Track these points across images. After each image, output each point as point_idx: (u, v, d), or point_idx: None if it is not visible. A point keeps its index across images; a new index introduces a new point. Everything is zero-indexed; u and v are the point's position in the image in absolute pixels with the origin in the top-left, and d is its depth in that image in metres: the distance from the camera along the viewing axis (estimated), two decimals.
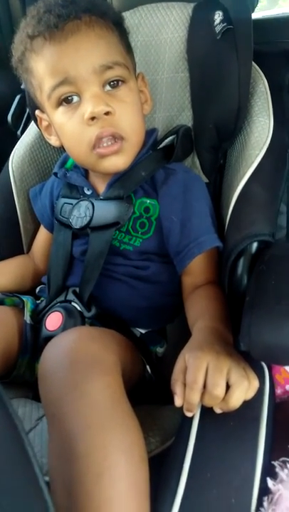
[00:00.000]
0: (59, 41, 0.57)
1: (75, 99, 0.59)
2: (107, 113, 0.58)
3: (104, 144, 0.60)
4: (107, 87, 0.60)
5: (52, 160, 0.87)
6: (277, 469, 0.42)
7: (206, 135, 0.74)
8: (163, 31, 0.78)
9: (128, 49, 0.65)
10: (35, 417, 0.56)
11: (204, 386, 0.44)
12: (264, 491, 0.41)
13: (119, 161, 0.62)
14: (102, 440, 0.41)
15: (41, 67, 0.59)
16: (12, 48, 0.63)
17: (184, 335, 0.55)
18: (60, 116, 0.61)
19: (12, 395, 0.63)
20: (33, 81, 0.62)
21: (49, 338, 0.57)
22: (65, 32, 0.56)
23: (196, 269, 0.64)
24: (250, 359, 0.46)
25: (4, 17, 1.05)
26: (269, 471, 0.42)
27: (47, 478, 0.43)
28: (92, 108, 0.57)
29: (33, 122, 0.85)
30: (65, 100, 0.59)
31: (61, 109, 0.60)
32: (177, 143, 0.70)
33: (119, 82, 0.60)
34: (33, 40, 0.59)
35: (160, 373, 0.65)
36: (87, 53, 0.57)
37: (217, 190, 0.76)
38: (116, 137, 0.60)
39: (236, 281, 0.57)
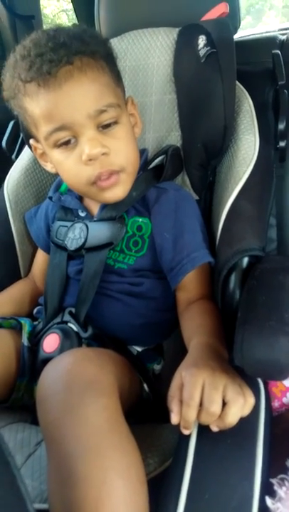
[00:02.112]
0: (53, 89, 0.57)
1: (72, 140, 0.60)
2: (103, 153, 0.59)
3: (103, 178, 0.61)
4: (101, 128, 0.61)
5: (47, 182, 0.88)
6: (276, 487, 0.42)
7: (195, 154, 0.75)
8: (150, 55, 0.81)
9: (118, 79, 0.66)
10: (34, 442, 0.56)
11: (200, 403, 0.44)
12: (263, 509, 0.41)
13: (118, 191, 0.64)
14: (101, 464, 0.41)
15: (36, 111, 0.60)
16: (2, 80, 0.64)
17: (181, 351, 0.55)
18: (57, 155, 0.62)
19: (10, 419, 0.62)
20: (28, 118, 0.63)
21: (47, 360, 0.57)
22: (58, 79, 0.57)
23: (189, 285, 0.65)
24: (245, 374, 0.46)
25: None
26: (268, 489, 0.42)
27: (46, 506, 0.43)
28: (89, 151, 0.58)
29: (27, 147, 0.87)
30: (63, 142, 0.60)
31: (58, 149, 0.61)
32: (166, 162, 0.72)
33: (112, 124, 0.61)
34: (26, 84, 0.59)
35: (158, 391, 0.65)
36: (81, 100, 0.58)
37: (207, 207, 0.77)
38: (113, 173, 0.62)
39: (229, 296, 0.57)
